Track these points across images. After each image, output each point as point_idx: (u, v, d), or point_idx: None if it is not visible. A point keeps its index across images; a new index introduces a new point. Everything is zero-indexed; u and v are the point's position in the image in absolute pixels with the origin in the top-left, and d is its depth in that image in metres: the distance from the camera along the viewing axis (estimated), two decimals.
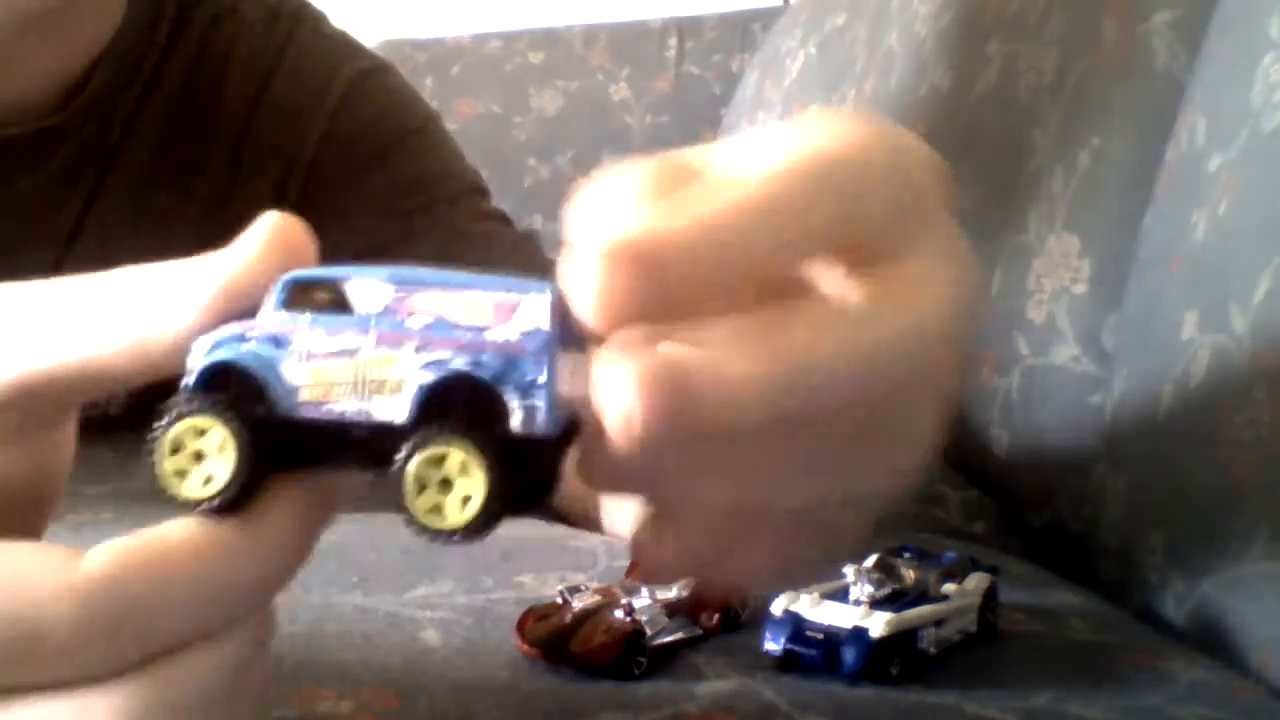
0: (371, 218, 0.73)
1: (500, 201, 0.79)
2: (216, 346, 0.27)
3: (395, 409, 0.26)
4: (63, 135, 0.70)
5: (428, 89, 1.80)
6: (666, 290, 0.25)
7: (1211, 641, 0.50)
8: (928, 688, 0.40)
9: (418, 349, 0.26)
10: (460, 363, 0.26)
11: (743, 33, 1.80)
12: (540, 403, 0.25)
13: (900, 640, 0.41)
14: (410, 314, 0.26)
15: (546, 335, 0.26)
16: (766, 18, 1.74)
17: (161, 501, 0.27)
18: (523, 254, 0.73)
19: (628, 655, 0.39)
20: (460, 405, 0.26)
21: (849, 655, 0.40)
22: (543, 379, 0.25)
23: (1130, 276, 0.67)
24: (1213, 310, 0.55)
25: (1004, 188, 0.79)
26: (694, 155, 0.28)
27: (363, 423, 0.26)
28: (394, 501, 0.26)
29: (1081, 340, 0.70)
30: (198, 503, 0.26)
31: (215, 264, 0.28)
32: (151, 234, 0.73)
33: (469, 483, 0.25)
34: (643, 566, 0.29)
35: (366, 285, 0.26)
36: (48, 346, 0.28)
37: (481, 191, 0.78)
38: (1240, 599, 0.50)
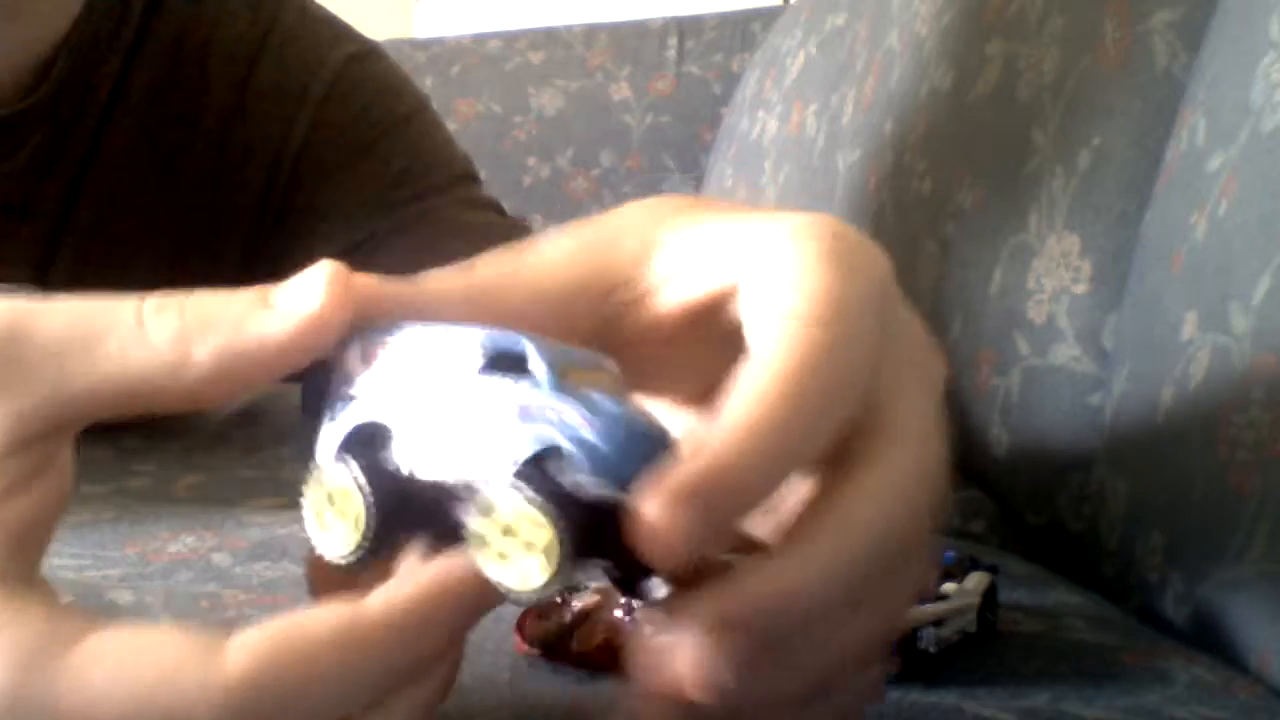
0: (362, 209, 0.72)
1: (500, 201, 0.79)
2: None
3: None
4: (35, 119, 0.69)
5: (428, 89, 1.80)
6: (729, 519, 0.26)
7: (1211, 641, 0.50)
8: (928, 688, 0.40)
9: None
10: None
11: (743, 33, 1.80)
12: None
13: (900, 640, 0.41)
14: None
15: None
16: (766, 18, 1.74)
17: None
18: (515, 244, 0.73)
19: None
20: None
21: None
22: None
23: (1130, 276, 0.67)
24: (1213, 310, 0.55)
25: (1004, 188, 0.79)
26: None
27: None
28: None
29: (1081, 340, 0.70)
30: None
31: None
32: (143, 220, 0.72)
33: None
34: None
35: None
36: (104, 364, 0.28)
37: (472, 178, 0.77)
38: (1240, 599, 0.50)
